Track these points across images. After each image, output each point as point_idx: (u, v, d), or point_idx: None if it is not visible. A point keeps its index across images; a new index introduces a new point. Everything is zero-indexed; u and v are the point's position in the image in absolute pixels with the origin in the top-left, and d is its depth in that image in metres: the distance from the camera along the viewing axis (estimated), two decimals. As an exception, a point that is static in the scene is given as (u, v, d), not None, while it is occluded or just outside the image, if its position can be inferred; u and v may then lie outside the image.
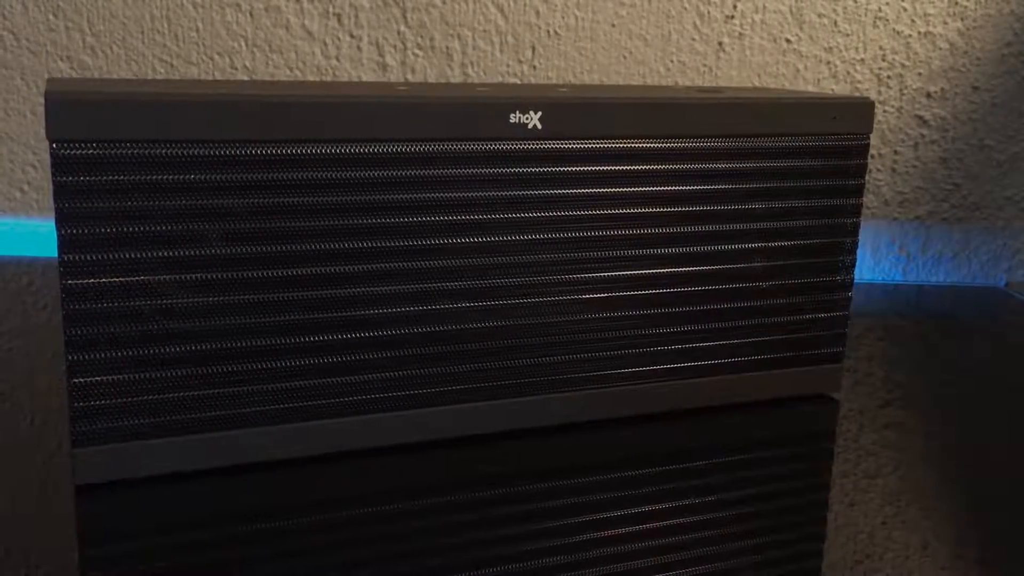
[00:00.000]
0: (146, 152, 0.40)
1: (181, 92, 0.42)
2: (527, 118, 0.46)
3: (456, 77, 0.81)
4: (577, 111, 0.47)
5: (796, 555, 0.42)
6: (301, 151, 0.42)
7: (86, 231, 0.40)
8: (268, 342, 0.44)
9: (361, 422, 0.46)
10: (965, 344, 0.72)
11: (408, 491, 0.45)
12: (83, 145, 0.39)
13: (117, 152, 0.40)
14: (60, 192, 0.39)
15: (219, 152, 0.41)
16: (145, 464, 0.43)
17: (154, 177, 0.40)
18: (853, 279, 0.54)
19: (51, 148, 0.39)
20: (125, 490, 0.43)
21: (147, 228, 0.41)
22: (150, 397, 0.42)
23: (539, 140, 0.46)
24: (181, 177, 0.41)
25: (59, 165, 0.39)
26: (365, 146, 0.43)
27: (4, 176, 0.81)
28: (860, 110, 0.52)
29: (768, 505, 0.46)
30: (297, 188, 0.43)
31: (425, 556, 0.40)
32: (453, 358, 0.47)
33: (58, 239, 0.40)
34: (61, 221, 0.40)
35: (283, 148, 0.42)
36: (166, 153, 0.40)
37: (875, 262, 0.84)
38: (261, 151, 0.42)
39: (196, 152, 0.41)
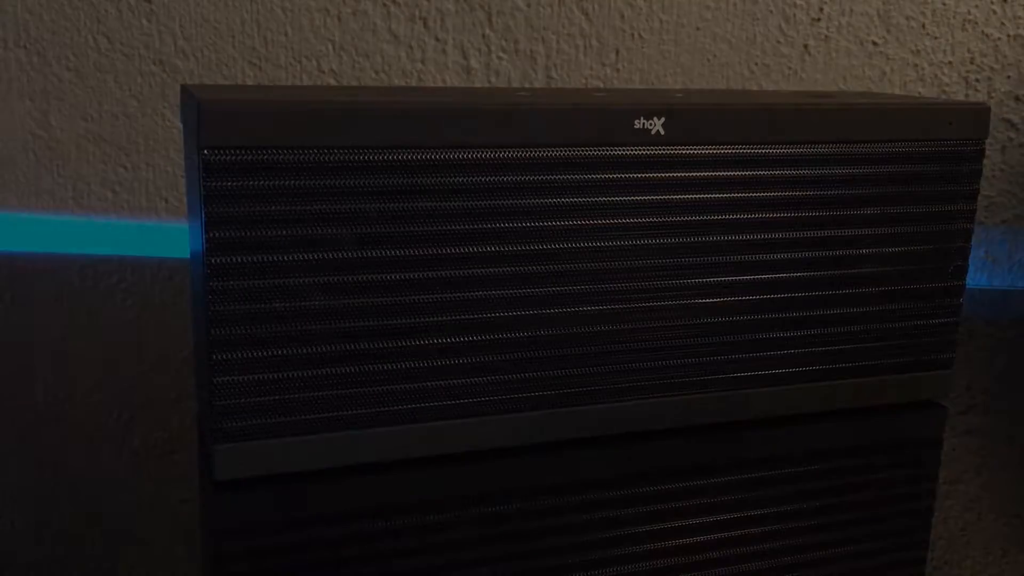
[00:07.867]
0: (290, 157, 0.41)
1: (321, 99, 0.43)
2: (651, 124, 0.46)
3: (539, 80, 0.81)
4: (699, 117, 0.47)
5: (878, 566, 0.42)
6: (433, 156, 0.43)
7: (232, 235, 0.41)
8: (399, 344, 0.44)
9: (489, 422, 0.47)
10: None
11: (534, 490, 0.46)
12: (233, 152, 0.40)
13: (263, 158, 0.41)
14: (210, 197, 0.40)
15: (357, 157, 0.42)
16: (282, 461, 0.44)
17: (296, 182, 0.41)
18: (965, 285, 0.54)
19: (202, 155, 0.40)
20: (263, 486, 0.44)
21: (287, 232, 0.42)
22: (287, 396, 0.43)
23: (662, 145, 0.47)
24: (320, 182, 0.42)
25: (210, 171, 0.40)
26: (494, 152, 0.44)
27: (97, 176, 0.83)
28: (976, 115, 0.52)
29: (848, 514, 0.46)
30: (428, 193, 0.43)
31: (546, 556, 0.41)
32: (579, 360, 0.47)
33: (205, 242, 0.41)
34: (209, 225, 0.41)
35: (417, 153, 0.43)
36: (308, 158, 0.41)
37: (959, 266, 0.84)
38: (396, 156, 0.43)
39: (336, 157, 0.42)
